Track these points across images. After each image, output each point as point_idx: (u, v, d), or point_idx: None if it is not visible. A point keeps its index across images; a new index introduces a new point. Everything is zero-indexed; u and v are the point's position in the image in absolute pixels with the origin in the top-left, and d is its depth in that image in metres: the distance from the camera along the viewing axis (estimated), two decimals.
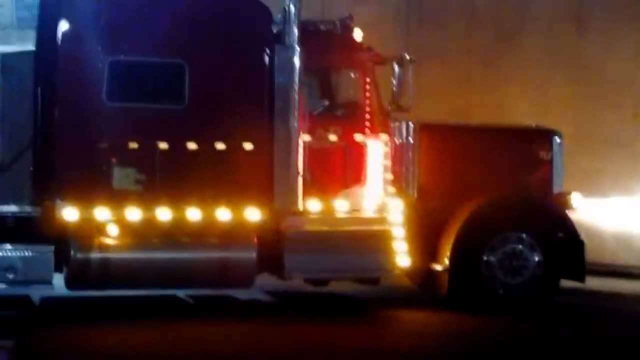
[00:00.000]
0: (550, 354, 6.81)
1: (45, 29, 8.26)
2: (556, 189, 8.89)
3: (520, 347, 7.00)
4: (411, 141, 8.58)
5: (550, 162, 8.94)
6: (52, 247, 7.86)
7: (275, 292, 9.66)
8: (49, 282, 8.06)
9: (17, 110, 8.53)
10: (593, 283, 9.13)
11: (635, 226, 11.18)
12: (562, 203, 8.87)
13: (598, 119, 11.24)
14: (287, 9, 8.06)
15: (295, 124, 8.12)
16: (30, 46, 8.99)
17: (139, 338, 7.22)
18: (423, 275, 8.90)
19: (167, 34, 7.99)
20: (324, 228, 8.47)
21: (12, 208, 8.37)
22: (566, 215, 8.76)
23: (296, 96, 8.06)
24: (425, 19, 13.15)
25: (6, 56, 8.98)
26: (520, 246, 8.48)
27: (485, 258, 8.39)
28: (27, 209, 8.35)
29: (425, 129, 8.66)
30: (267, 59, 8.15)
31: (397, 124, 8.71)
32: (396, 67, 8.50)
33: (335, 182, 8.61)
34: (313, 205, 8.33)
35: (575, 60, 11.74)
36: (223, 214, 7.98)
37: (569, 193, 8.85)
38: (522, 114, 10.89)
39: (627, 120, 11.32)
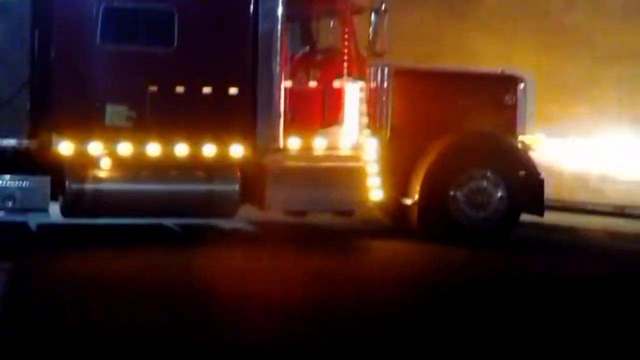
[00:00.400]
0: (506, 280, 7.17)
1: None
2: (520, 131, 9.26)
3: (483, 274, 7.39)
4: (385, 84, 8.95)
5: (514, 106, 9.33)
6: (49, 178, 8.19)
7: (256, 222, 9.91)
8: (45, 210, 8.44)
9: (16, 50, 8.67)
10: (551, 217, 9.55)
11: (591, 166, 11.61)
12: (524, 144, 9.22)
13: (559, 67, 11.60)
14: None
15: (278, 69, 8.42)
16: None
17: (129, 264, 7.49)
18: (394, 208, 9.30)
19: None
20: (303, 164, 8.84)
21: (11, 142, 8.52)
22: (528, 154, 9.19)
23: (279, 43, 8.34)
24: None
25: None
26: (485, 183, 8.92)
27: (452, 193, 8.83)
28: (25, 142, 8.51)
29: (398, 73, 9.00)
30: (252, 7, 8.45)
31: (372, 68, 9.05)
32: (373, 16, 8.84)
33: (314, 122, 9.01)
34: (293, 143, 8.70)
35: (540, 12, 12.17)
36: (209, 150, 8.33)
37: (532, 134, 9.20)
38: (489, 59, 11.28)
39: (585, 67, 11.69)
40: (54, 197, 8.40)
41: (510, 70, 9.68)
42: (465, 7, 12.74)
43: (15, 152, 8.42)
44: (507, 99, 9.38)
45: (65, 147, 8.17)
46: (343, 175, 8.84)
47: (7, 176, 8.07)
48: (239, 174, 8.51)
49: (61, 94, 8.37)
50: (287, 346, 4.80)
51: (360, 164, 8.90)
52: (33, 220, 9.26)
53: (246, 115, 8.59)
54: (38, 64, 8.58)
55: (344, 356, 4.60)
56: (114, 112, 8.33)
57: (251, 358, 4.57)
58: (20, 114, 8.68)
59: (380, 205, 9.31)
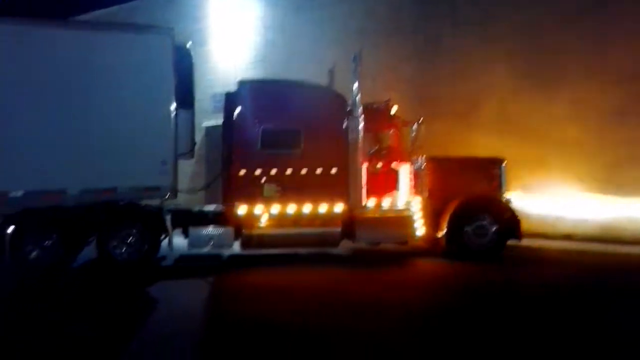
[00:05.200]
0: (499, 281, 9.76)
1: (228, 112, 11.80)
2: (503, 191, 12.17)
3: (486, 279, 9.99)
4: (423, 167, 12.10)
5: (499, 177, 12.20)
6: (232, 228, 11.32)
7: (351, 249, 12.55)
8: (231, 246, 11.48)
9: (213, 156, 12.31)
10: (525, 242, 11.93)
11: (549, 209, 14.30)
12: (506, 199, 12.12)
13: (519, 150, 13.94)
14: (353, 97, 11.58)
15: (359, 159, 11.53)
16: (220, 121, 12.49)
17: (280, 277, 10.26)
18: (431, 239, 12.07)
19: (291, 114, 11.45)
20: (377, 215, 11.82)
21: (211, 207, 11.95)
22: (510, 205, 11.96)
23: (359, 144, 11.52)
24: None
25: (208, 127, 13.04)
26: (485, 222, 11.72)
27: (465, 229, 11.68)
28: (220, 207, 11.77)
29: (430, 160, 12.02)
30: (344, 124, 11.59)
31: (414, 157, 12.19)
32: (415, 126, 12.24)
33: (381, 190, 11.99)
34: (370, 202, 11.80)
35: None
36: (322, 208, 11.46)
37: (511, 193, 12.23)
38: (481, 150, 13.73)
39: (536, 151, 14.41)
40: (235, 239, 11.43)
41: (495, 156, 12.46)
42: (471, 116, 15.72)
43: (214, 213, 11.61)
44: (495, 173, 12.24)
45: (242, 210, 11.29)
46: (400, 221, 11.78)
47: (211, 227, 11.30)
48: (340, 222, 11.48)
49: (239, 179, 11.37)
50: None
51: (409, 213, 11.90)
52: (225, 253, 12.28)
53: (343, 186, 11.50)
54: (225, 162, 11.84)
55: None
56: (268, 188, 11.44)
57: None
58: (216, 192, 12.25)
59: (422, 238, 12.06)
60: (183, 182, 12.19)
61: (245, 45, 20.69)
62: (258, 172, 11.41)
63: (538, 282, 9.81)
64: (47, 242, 10.92)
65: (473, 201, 11.95)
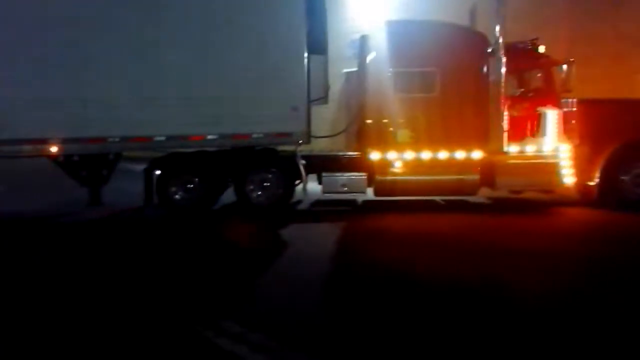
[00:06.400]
0: None
1: (362, 56, 11.81)
2: None
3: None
4: (574, 110, 11.25)
5: None
6: (366, 174, 11.37)
7: (490, 197, 12.52)
8: (364, 192, 11.57)
9: (353, 102, 12.31)
10: None
11: None
12: None
13: None
14: (496, 36, 10.95)
15: (501, 102, 10.89)
16: (355, 67, 12.58)
17: (413, 222, 10.26)
18: (581, 188, 11.53)
19: (425, 55, 11.09)
20: (519, 161, 11.19)
21: (347, 153, 11.93)
22: None
23: (502, 86, 10.85)
24: None
25: (347, 73, 13.04)
26: None
27: (621, 177, 11.07)
28: (354, 153, 11.78)
29: (581, 103, 11.16)
30: (485, 65, 11.08)
31: (565, 100, 11.29)
32: (565, 67, 11.06)
33: (525, 135, 11.32)
34: (512, 148, 11.20)
35: None
36: (460, 154, 11.18)
37: None
38: None
39: None
40: (369, 185, 11.46)
41: None
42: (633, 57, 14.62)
43: (348, 158, 11.70)
44: None
45: (375, 156, 11.32)
46: (545, 168, 11.11)
47: (345, 173, 11.44)
48: (479, 168, 11.15)
49: (373, 124, 11.40)
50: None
51: (556, 160, 11.16)
52: (358, 198, 12.55)
53: (482, 131, 11.10)
54: (360, 106, 11.79)
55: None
56: (402, 134, 11.34)
57: None
58: (351, 137, 12.29)
59: (572, 187, 11.44)
60: (324, 129, 12.32)
61: None
62: (392, 116, 11.37)
63: None
64: (189, 185, 11.65)
65: (631, 147, 11.19)
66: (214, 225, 10.75)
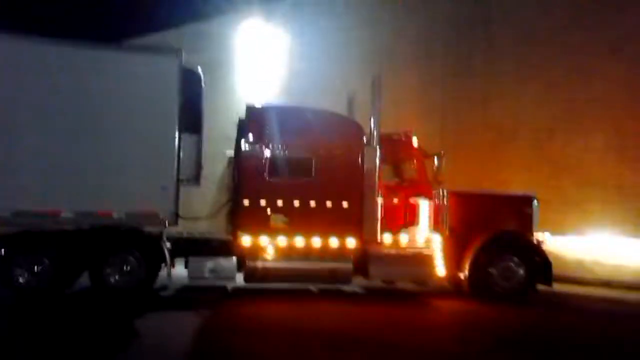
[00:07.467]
0: (522, 322, 9.30)
1: (237, 143, 11.42)
2: (534, 232, 11.36)
3: (509, 321, 9.59)
4: (444, 201, 11.34)
5: (530, 215, 11.40)
6: (236, 258, 10.85)
7: (364, 287, 12.24)
8: (233, 278, 11.01)
9: (227, 183, 11.93)
10: (556, 287, 11.38)
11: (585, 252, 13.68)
12: (537, 239, 11.33)
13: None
14: (371, 127, 11.04)
15: (375, 192, 10.92)
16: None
17: (284, 311, 9.80)
18: (453, 280, 11.47)
19: (302, 142, 11.11)
20: (393, 251, 11.16)
21: (217, 235, 11.37)
22: (540, 246, 11.23)
23: (376, 176, 10.92)
24: None
25: (229, 153, 12.14)
26: (511, 263, 11.08)
27: (489, 270, 11.06)
28: (225, 237, 11.25)
29: (452, 194, 11.30)
30: (360, 154, 11.05)
31: (435, 191, 11.47)
32: (436, 159, 11.49)
33: (398, 225, 11.36)
34: (386, 237, 11.15)
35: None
36: (334, 242, 10.91)
37: (542, 233, 11.38)
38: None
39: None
40: (239, 270, 10.93)
41: (528, 192, 11.89)
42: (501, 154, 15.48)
43: (219, 242, 11.14)
44: (525, 210, 11.45)
45: (246, 240, 10.84)
46: (418, 258, 11.10)
47: (215, 257, 10.78)
48: (352, 257, 10.95)
49: (245, 207, 10.91)
50: None
51: (429, 251, 11.14)
52: (230, 285, 12.00)
53: (357, 219, 10.91)
54: (233, 191, 11.49)
55: None
56: (275, 218, 10.90)
57: None
58: (221, 220, 11.72)
59: (443, 278, 11.40)
60: (204, 210, 11.89)
61: (272, 74, 20.86)
62: (264, 201, 11.00)
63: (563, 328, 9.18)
64: (39, 266, 10.52)
65: (499, 240, 11.34)
66: (50, 312, 9.67)
